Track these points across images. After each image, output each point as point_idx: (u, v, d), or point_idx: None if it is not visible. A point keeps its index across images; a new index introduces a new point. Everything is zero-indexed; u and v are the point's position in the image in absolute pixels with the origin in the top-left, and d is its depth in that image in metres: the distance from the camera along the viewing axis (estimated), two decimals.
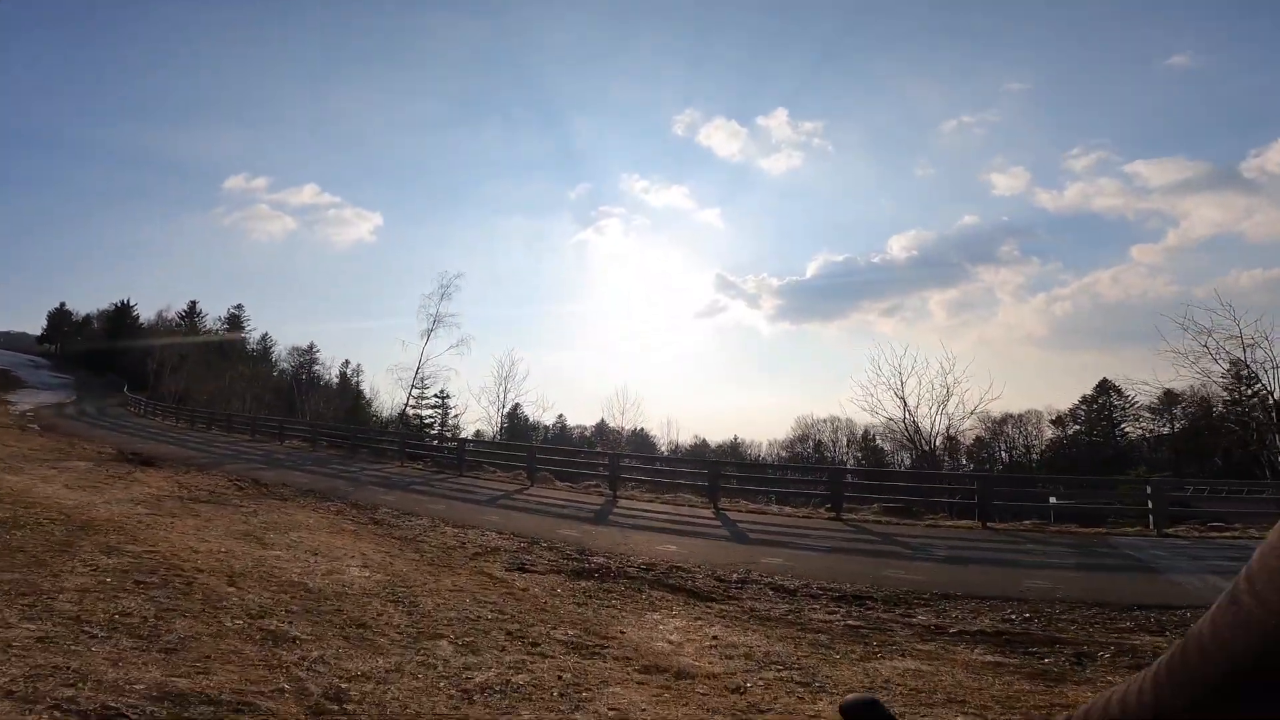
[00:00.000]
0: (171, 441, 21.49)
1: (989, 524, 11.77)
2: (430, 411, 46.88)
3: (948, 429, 17.58)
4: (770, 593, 6.44)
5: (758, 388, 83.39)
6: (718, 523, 11.57)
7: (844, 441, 72.11)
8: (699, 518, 12.07)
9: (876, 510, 13.71)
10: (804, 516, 13.09)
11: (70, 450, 15.22)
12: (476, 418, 43.78)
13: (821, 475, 16.98)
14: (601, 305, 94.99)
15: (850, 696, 0.67)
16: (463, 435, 31.45)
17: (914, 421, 17.29)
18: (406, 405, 37.27)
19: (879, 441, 69.18)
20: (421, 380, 35.27)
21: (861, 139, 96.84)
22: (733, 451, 67.00)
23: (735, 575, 7.02)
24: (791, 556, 8.42)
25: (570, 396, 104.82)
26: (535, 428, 55.93)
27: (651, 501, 14.38)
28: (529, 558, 7.08)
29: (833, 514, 12.73)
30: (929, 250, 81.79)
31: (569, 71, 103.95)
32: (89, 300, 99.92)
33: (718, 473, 13.82)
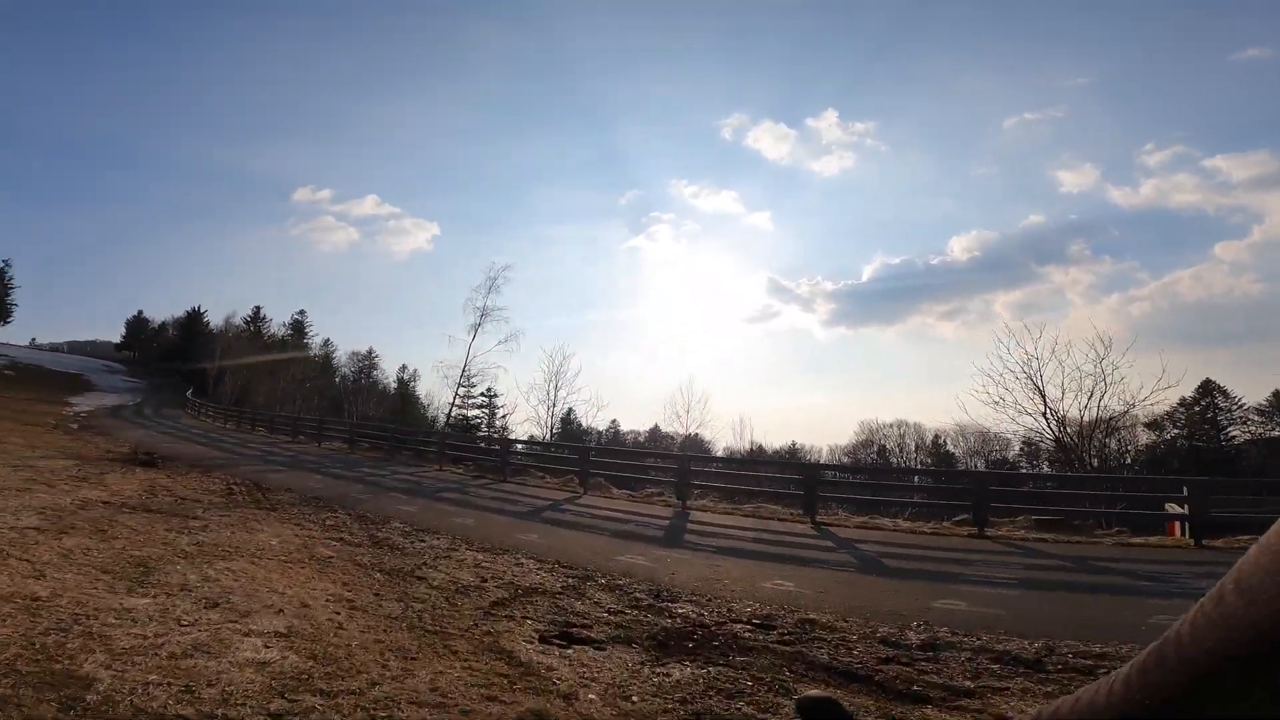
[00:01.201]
0: (204, 442, 20.08)
1: (1203, 542, 8.60)
2: (477, 411, 45.22)
3: (1110, 423, 14.07)
4: (996, 667, 3.70)
5: (813, 392, 79.31)
6: (827, 543, 8.78)
7: (912, 446, 68.48)
8: (798, 535, 9.31)
9: (1025, 524, 10.62)
10: (931, 532, 10.13)
11: (75, 448, 13.65)
12: (525, 417, 41.78)
13: (959, 481, 13.89)
14: (653, 311, 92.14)
15: (808, 693, 0.52)
16: (511, 436, 29.27)
17: (1058, 417, 13.92)
18: (452, 404, 35.49)
19: (950, 446, 64.88)
20: (468, 378, 33.42)
21: (916, 138, 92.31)
22: (792, 456, 63.64)
23: (913, 636, 4.30)
24: (974, 596, 5.60)
25: (622, 402, 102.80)
26: (588, 432, 53.76)
27: (730, 514, 11.68)
28: (579, 607, 4.52)
29: (974, 530, 9.75)
30: (992, 251, 77.24)
31: (613, 78, 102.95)
32: (167, 309, 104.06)
33: (815, 479, 10.98)
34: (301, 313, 67.35)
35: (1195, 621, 0.38)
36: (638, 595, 5.14)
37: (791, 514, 11.53)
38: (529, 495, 12.27)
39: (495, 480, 14.75)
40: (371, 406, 45.06)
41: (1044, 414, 14.07)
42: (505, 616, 4.02)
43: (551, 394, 32.53)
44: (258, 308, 66.31)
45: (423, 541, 6.55)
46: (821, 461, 48.89)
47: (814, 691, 0.97)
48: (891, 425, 70.22)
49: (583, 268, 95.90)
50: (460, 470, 16.75)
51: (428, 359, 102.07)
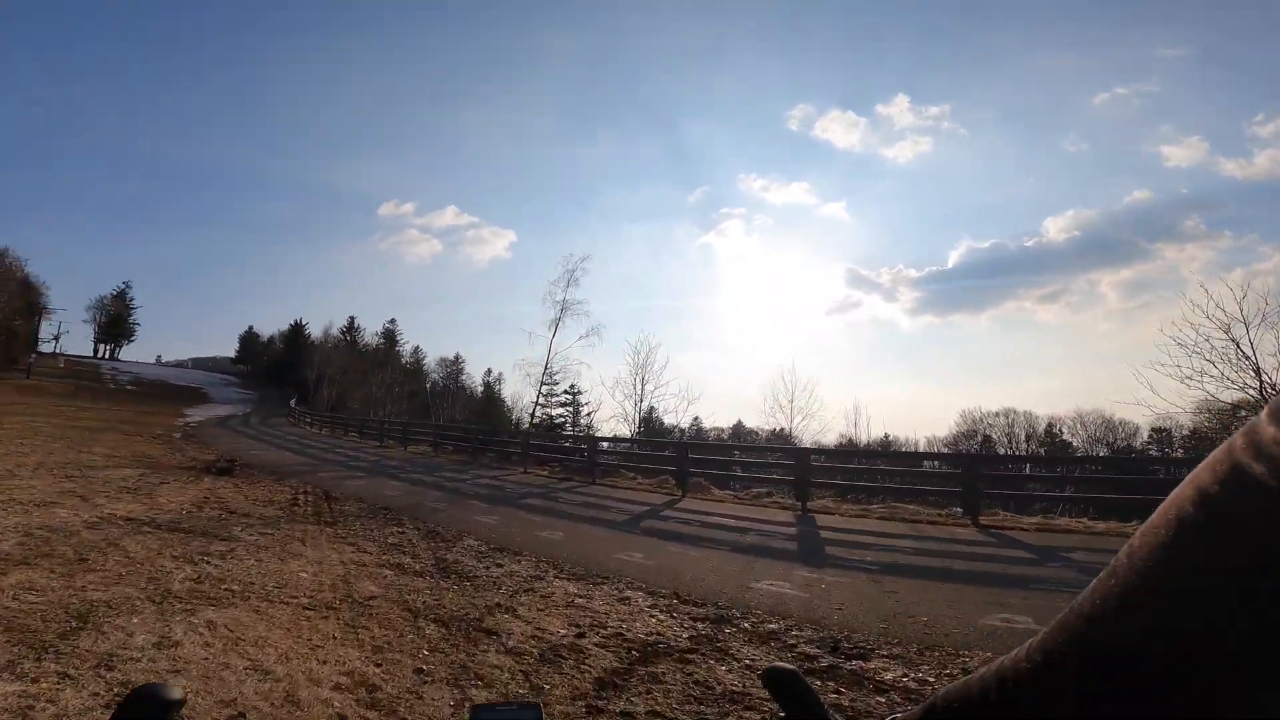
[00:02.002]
0: (293, 448, 19.92)
1: None
2: (561, 410, 44.48)
3: None
4: None
5: (899, 382, 74.14)
6: (1017, 552, 6.70)
7: (1022, 436, 62.93)
8: (970, 543, 7.26)
9: None
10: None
11: (156, 456, 13.35)
12: (611, 414, 40.59)
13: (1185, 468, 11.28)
14: (727, 307, 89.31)
15: (773, 665, 0.55)
16: (597, 434, 28.02)
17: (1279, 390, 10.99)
18: (536, 403, 34.71)
19: (1067, 435, 58.89)
20: (550, 375, 32.45)
21: (997, 119, 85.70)
22: (883, 448, 59.56)
23: None
24: None
25: (701, 399, 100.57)
26: (671, 430, 52.07)
27: (863, 516, 9.71)
28: (728, 681, 2.85)
29: None
30: (1093, 230, 70.51)
31: (674, 77, 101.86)
32: (275, 324, 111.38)
33: (975, 472, 8.83)
34: (392, 321, 69.63)
35: (1095, 591, 0.37)
36: (806, 649, 3.42)
37: (942, 515, 9.44)
38: (622, 500, 10.75)
39: (583, 482, 13.36)
40: (458, 410, 45.34)
41: (1259, 388, 11.15)
42: (621, 714, 2.39)
43: (638, 388, 30.99)
44: (352, 318, 69.02)
45: (500, 566, 5.08)
46: (980, 452, 43.44)
47: (778, 664, 0.49)
48: (997, 414, 64.58)
49: (655, 268, 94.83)
50: (546, 472, 15.50)
51: (510, 363, 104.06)
